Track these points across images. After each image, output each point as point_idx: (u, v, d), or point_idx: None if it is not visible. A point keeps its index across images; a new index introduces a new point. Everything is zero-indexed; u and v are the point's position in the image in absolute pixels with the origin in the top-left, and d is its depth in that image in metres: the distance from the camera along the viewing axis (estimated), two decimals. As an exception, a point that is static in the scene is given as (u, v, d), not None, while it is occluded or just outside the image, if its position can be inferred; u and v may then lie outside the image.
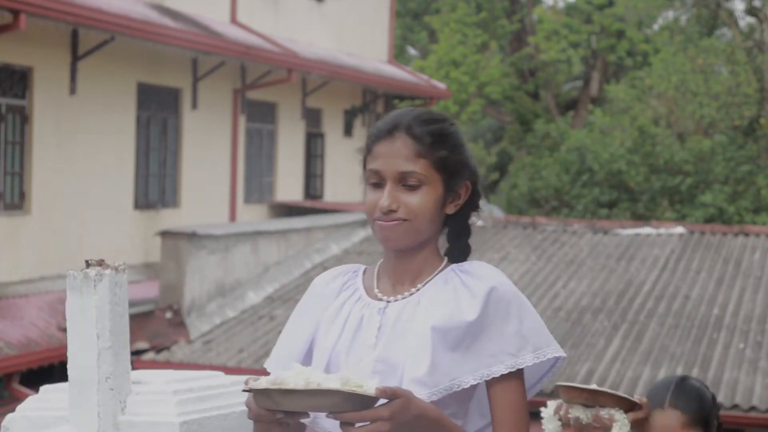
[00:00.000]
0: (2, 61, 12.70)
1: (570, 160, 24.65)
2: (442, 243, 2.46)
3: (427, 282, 2.39)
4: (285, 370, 2.19)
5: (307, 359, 2.46)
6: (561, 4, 33.21)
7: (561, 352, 2.40)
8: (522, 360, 2.33)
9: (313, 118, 20.00)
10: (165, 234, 12.71)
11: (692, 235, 14.75)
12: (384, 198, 2.34)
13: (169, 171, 15.91)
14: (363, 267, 2.55)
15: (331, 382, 2.13)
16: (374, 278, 2.47)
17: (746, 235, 14.73)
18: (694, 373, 10.37)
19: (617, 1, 29.47)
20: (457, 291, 2.35)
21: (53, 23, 12.50)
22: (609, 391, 3.22)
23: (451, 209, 2.39)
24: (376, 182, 2.37)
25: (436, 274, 2.40)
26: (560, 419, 3.30)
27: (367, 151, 2.41)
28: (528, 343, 2.35)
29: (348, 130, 21.21)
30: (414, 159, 2.33)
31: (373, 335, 2.38)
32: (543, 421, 3.31)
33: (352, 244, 14.60)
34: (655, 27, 32.36)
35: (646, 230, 14.99)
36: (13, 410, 3.53)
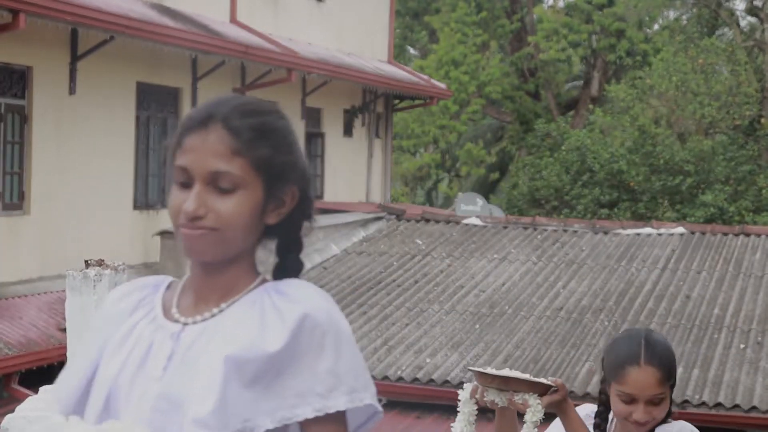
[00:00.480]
0: (2, 60, 12.68)
1: (570, 160, 24.64)
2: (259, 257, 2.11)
3: (234, 302, 2.00)
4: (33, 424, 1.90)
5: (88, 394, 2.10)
6: (561, 4, 33.19)
7: (377, 404, 1.99)
8: (333, 403, 1.92)
9: (313, 117, 19.98)
10: (164, 234, 12.69)
11: (693, 235, 14.73)
12: (189, 201, 1.94)
13: (169, 171, 15.88)
14: (169, 280, 2.13)
15: None
16: (175, 295, 2.06)
17: (747, 235, 14.71)
18: (695, 373, 10.35)
19: (617, 1, 29.45)
20: (265, 315, 1.94)
21: (53, 23, 12.47)
22: (521, 377, 3.27)
23: (272, 218, 1.99)
24: (184, 182, 1.97)
25: (246, 293, 2.00)
26: (476, 402, 3.36)
27: (177, 144, 2.00)
28: (342, 384, 1.93)
29: (348, 130, 21.19)
30: (229, 157, 1.93)
31: (161, 365, 1.98)
32: (459, 403, 3.40)
33: (352, 244, 14.58)
34: (656, 26, 32.35)
35: (646, 230, 14.97)
36: (12, 411, 3.50)
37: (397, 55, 33.00)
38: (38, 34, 12.75)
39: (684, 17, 30.48)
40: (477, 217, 16.00)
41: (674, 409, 10.49)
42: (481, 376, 3.32)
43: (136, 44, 13.99)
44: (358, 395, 1.94)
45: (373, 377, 8.25)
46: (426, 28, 35.89)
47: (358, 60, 20.43)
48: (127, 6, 13.81)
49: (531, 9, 32.91)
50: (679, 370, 10.41)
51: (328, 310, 1.95)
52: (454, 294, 12.64)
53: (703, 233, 14.82)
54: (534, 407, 3.28)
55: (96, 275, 8.19)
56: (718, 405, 9.77)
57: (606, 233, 14.93)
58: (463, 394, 3.42)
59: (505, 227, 15.23)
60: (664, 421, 3.48)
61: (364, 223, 15.23)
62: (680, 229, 14.95)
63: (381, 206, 16.97)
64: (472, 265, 13.64)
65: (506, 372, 3.34)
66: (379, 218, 15.61)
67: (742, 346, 10.99)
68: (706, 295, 12.47)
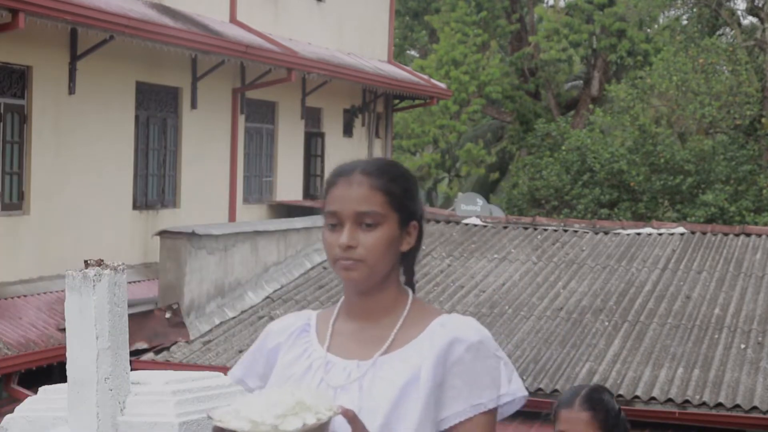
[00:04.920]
0: (1, 60, 12.67)
1: (570, 159, 24.62)
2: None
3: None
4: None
5: None
6: (562, 4, 33.18)
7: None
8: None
9: (312, 117, 19.97)
10: (164, 234, 12.66)
11: (693, 235, 14.72)
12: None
13: (169, 171, 15.87)
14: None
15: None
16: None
17: (747, 235, 14.69)
18: (695, 373, 10.34)
19: (618, 1, 29.44)
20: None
21: (52, 22, 12.46)
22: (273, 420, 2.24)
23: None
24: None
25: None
26: None
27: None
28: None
29: (348, 130, 21.18)
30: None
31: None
32: None
33: (352, 244, 14.56)
34: (656, 26, 32.34)
35: (646, 230, 14.96)
36: (11, 411, 3.48)
37: (397, 55, 32.99)
38: (38, 34, 12.74)
39: (684, 17, 30.47)
40: (477, 217, 15.98)
41: (675, 409, 10.40)
42: None
43: (136, 44, 13.97)
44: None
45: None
46: (426, 28, 35.88)
47: (358, 60, 20.41)
48: (127, 6, 13.79)
49: (531, 9, 32.90)
50: (680, 371, 10.40)
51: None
52: (454, 294, 12.63)
53: (704, 233, 14.80)
54: None
55: (95, 275, 8.16)
56: (719, 405, 9.76)
57: (606, 233, 14.91)
58: None
59: (505, 227, 15.21)
60: None
61: (364, 223, 15.20)
62: (680, 229, 14.94)
63: (381, 206, 16.93)
64: (472, 265, 13.62)
65: (260, 415, 2.23)
66: (379, 218, 15.58)
67: (742, 346, 10.98)
68: (706, 295, 12.45)
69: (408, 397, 2.33)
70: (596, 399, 3.71)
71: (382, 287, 2.44)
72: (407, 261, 2.49)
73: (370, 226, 2.39)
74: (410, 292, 2.49)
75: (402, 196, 2.43)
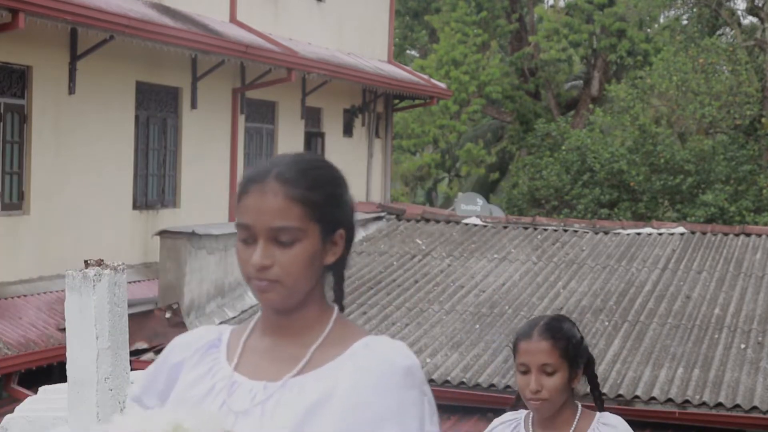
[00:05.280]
0: (1, 60, 12.67)
1: (570, 159, 24.62)
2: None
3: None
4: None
5: None
6: (561, 4, 33.18)
7: None
8: None
9: (312, 117, 19.97)
10: (164, 234, 12.66)
11: (693, 235, 14.72)
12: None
13: (169, 171, 15.87)
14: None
15: None
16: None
17: (747, 235, 14.69)
18: (695, 374, 10.34)
19: (618, 1, 29.44)
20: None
21: (52, 22, 12.46)
22: None
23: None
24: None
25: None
26: None
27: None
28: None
29: (348, 130, 21.18)
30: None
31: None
32: None
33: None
34: (656, 26, 32.34)
35: (646, 230, 14.95)
36: (11, 411, 3.49)
37: (397, 55, 32.99)
38: (38, 34, 12.74)
39: (684, 17, 30.46)
40: (477, 217, 15.98)
41: (675, 409, 10.40)
42: None
43: (136, 44, 13.97)
44: None
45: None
46: (426, 27, 35.88)
47: (358, 60, 20.41)
48: (127, 6, 13.79)
49: (531, 9, 32.90)
50: (680, 371, 10.40)
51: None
52: (454, 294, 12.63)
53: (704, 233, 14.80)
54: None
55: (95, 275, 8.16)
56: (719, 405, 9.75)
57: (606, 233, 14.91)
58: None
59: (505, 227, 15.21)
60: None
61: (364, 223, 15.21)
62: (680, 229, 14.93)
63: (381, 206, 16.96)
64: (472, 265, 13.62)
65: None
66: (379, 218, 15.59)
67: (742, 346, 10.97)
68: (706, 295, 12.45)
69: (317, 420, 2.04)
70: (556, 327, 3.56)
71: (302, 305, 2.14)
72: (336, 272, 2.21)
73: (286, 243, 2.08)
74: (335, 308, 2.20)
75: (325, 204, 2.11)
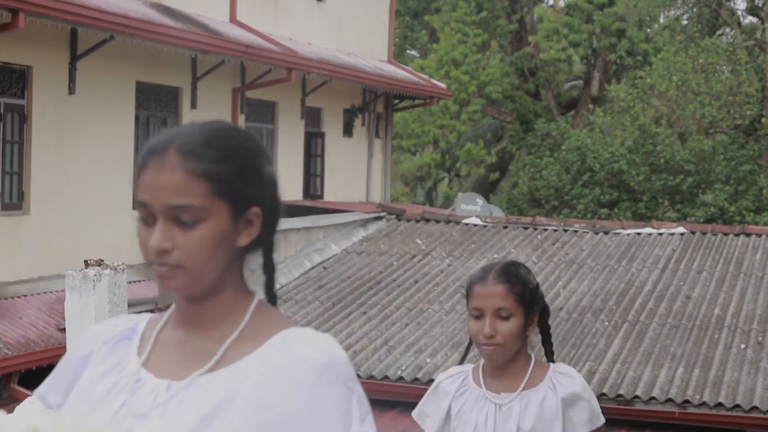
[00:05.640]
0: (1, 60, 12.67)
1: (570, 159, 24.63)
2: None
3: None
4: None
5: None
6: (561, 4, 33.19)
7: None
8: None
9: (312, 117, 19.97)
10: (164, 234, 12.66)
11: (693, 235, 14.71)
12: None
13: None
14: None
15: None
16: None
17: (747, 235, 14.69)
18: (695, 373, 10.34)
19: (618, 1, 29.44)
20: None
21: (52, 22, 12.46)
22: None
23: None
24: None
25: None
26: None
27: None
28: None
29: (348, 130, 21.17)
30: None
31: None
32: None
33: (352, 244, 14.56)
34: (656, 26, 32.34)
35: (646, 230, 14.95)
36: (11, 411, 3.47)
37: (397, 55, 32.99)
38: (38, 34, 12.74)
39: (684, 17, 30.46)
40: (477, 217, 15.97)
41: (675, 409, 10.39)
42: None
43: (136, 44, 13.97)
44: None
45: (373, 377, 8.21)
46: (426, 27, 35.88)
47: (358, 60, 20.41)
48: (127, 6, 13.79)
49: (531, 9, 32.90)
50: (680, 371, 10.40)
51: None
52: (454, 294, 12.62)
53: (704, 233, 14.80)
54: None
55: (95, 275, 8.18)
56: (719, 405, 9.75)
57: (606, 233, 14.91)
58: None
59: (505, 227, 15.21)
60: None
61: (364, 223, 15.21)
62: (680, 229, 14.93)
63: (381, 206, 16.96)
64: (472, 265, 13.61)
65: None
66: (379, 218, 15.59)
67: (742, 346, 10.97)
68: (706, 295, 12.45)
69: (216, 425, 1.79)
70: (511, 272, 3.45)
71: (213, 292, 1.89)
72: (264, 255, 1.93)
73: (188, 223, 1.83)
74: (255, 297, 1.92)
75: (234, 178, 1.84)
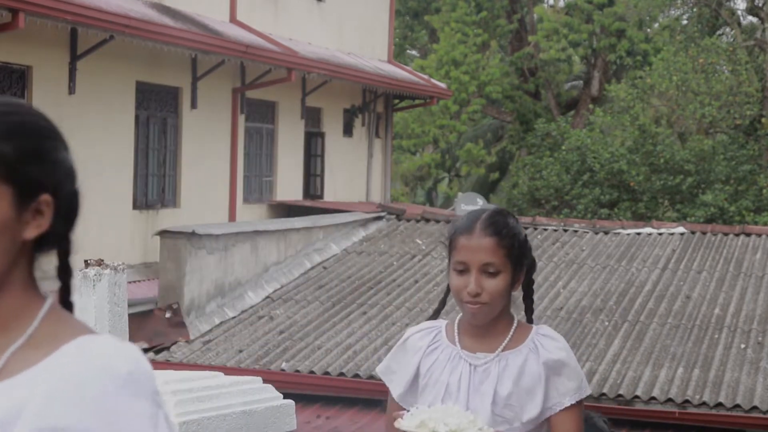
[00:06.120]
0: (1, 60, 12.67)
1: (570, 159, 24.63)
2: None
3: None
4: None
5: None
6: (561, 3, 33.18)
7: None
8: None
9: (312, 117, 19.97)
10: (164, 234, 12.66)
11: (693, 235, 14.71)
12: None
13: (169, 171, 15.87)
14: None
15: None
16: None
17: (747, 235, 14.69)
18: (695, 373, 10.34)
19: (618, 1, 29.44)
20: None
21: (52, 22, 12.46)
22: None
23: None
24: None
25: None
26: None
27: None
28: None
29: (348, 130, 21.17)
30: None
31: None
32: None
33: (352, 244, 14.56)
34: (656, 26, 32.34)
35: (646, 230, 14.95)
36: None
37: (397, 55, 32.98)
38: (38, 34, 12.74)
39: (684, 17, 30.47)
40: (477, 216, 15.95)
41: (675, 409, 10.38)
42: None
43: (136, 44, 13.97)
44: None
45: (373, 377, 8.18)
46: (426, 27, 35.88)
47: (358, 60, 20.41)
48: (127, 6, 13.80)
49: (531, 9, 32.90)
50: (680, 371, 10.40)
51: None
52: (454, 294, 12.61)
53: (704, 233, 14.80)
54: None
55: (95, 275, 8.18)
56: (719, 405, 9.75)
57: (606, 233, 14.91)
58: None
59: (506, 227, 15.20)
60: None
61: (364, 223, 15.21)
62: (680, 229, 14.93)
63: (381, 206, 16.96)
64: (472, 265, 13.60)
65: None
66: (379, 218, 15.59)
67: (742, 346, 10.97)
68: (706, 295, 12.45)
69: None
70: (501, 223, 3.10)
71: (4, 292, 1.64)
72: (61, 254, 1.68)
73: None
74: (48, 299, 1.67)
75: (18, 160, 1.62)
